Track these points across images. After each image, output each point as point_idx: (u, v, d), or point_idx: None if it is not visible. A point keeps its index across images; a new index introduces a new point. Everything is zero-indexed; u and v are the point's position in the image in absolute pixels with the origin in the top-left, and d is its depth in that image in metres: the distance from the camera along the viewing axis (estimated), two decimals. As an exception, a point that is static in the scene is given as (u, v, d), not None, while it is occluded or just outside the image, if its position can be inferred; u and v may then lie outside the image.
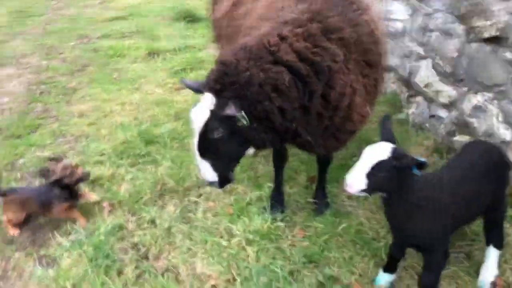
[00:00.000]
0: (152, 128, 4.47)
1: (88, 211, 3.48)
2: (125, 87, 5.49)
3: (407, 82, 4.21)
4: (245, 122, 2.39)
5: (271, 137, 2.53)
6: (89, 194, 3.58)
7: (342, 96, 2.56)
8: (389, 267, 2.66)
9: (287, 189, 3.54)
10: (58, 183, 3.31)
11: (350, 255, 2.92)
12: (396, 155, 2.12)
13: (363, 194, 2.22)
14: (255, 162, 3.94)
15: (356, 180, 2.15)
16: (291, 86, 2.39)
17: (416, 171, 2.14)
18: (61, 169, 3.32)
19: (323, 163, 3.33)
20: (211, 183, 2.71)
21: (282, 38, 2.44)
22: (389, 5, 4.23)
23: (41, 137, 4.61)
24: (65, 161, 3.47)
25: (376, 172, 2.12)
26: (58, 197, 3.32)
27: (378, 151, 2.15)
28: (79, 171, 3.39)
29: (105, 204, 3.50)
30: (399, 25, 4.13)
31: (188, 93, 5.03)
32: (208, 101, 2.45)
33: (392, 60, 4.39)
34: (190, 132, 4.23)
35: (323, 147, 2.83)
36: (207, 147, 2.57)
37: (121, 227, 3.29)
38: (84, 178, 3.40)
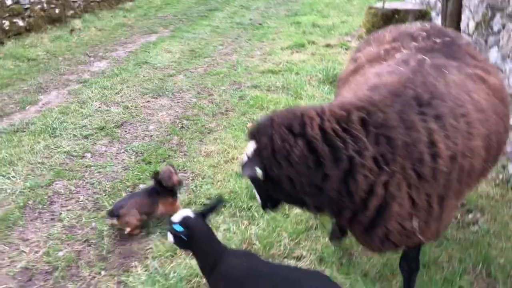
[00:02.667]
0: (261, 184, 4.51)
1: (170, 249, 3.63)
2: (253, 138, 5.70)
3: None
4: (261, 178, 2.56)
5: (287, 198, 2.70)
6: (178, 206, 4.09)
7: (370, 194, 2.36)
8: None
9: None
10: (160, 184, 3.98)
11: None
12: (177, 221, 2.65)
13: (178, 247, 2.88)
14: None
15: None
16: (301, 161, 2.40)
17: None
18: (163, 172, 4.01)
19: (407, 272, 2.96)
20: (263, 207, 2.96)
21: (321, 113, 2.44)
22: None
23: (166, 168, 5.02)
24: (168, 167, 4.13)
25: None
26: (161, 194, 3.98)
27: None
28: (175, 178, 4.01)
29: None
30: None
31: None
32: (250, 147, 2.65)
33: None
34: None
35: (364, 241, 2.70)
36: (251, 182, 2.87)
37: (193, 274, 3.33)
38: (179, 183, 4.06)
